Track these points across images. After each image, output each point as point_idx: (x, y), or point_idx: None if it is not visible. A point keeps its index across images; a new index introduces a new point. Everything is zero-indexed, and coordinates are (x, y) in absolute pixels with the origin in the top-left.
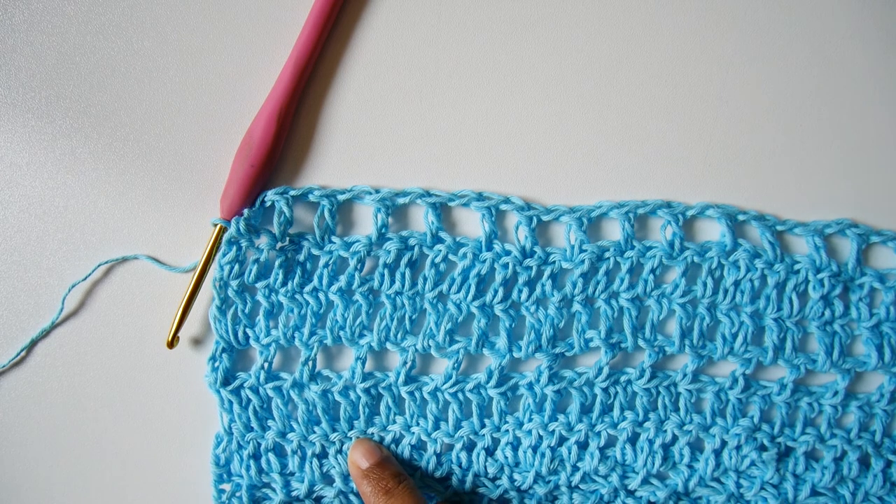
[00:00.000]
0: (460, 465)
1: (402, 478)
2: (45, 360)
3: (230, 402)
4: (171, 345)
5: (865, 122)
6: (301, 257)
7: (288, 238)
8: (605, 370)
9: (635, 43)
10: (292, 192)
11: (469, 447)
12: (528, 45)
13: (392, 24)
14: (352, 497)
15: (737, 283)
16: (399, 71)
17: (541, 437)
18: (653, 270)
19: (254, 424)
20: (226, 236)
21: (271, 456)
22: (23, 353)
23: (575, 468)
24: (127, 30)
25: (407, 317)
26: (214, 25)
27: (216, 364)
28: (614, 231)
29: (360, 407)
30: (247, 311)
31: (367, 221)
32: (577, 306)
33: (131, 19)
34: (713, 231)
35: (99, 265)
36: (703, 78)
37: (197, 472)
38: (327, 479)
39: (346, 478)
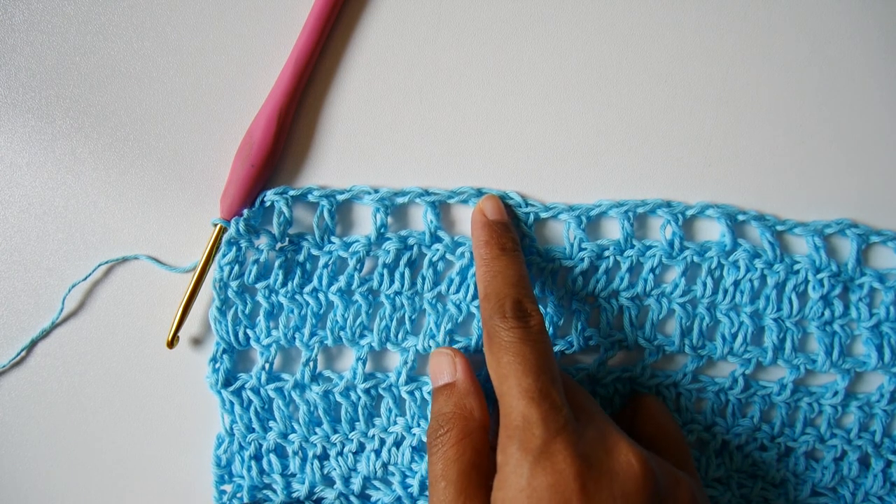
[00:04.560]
0: None
1: (519, 246)
2: (45, 360)
3: (231, 403)
4: (171, 345)
5: (865, 122)
6: (301, 258)
7: (287, 238)
8: (605, 369)
9: (635, 43)
10: (292, 193)
11: None
12: (528, 45)
13: (392, 24)
14: (352, 499)
15: (736, 283)
16: (399, 71)
17: None
18: (652, 270)
19: (255, 425)
20: (225, 237)
21: (272, 457)
22: (23, 353)
23: None
24: (127, 30)
25: (407, 317)
26: (214, 25)
27: (217, 365)
28: (613, 230)
29: (361, 408)
30: (247, 311)
31: (366, 221)
32: (576, 304)
33: (131, 20)
34: (713, 231)
35: (99, 265)
36: (703, 78)
37: (197, 473)
38: (328, 481)
39: (346, 480)
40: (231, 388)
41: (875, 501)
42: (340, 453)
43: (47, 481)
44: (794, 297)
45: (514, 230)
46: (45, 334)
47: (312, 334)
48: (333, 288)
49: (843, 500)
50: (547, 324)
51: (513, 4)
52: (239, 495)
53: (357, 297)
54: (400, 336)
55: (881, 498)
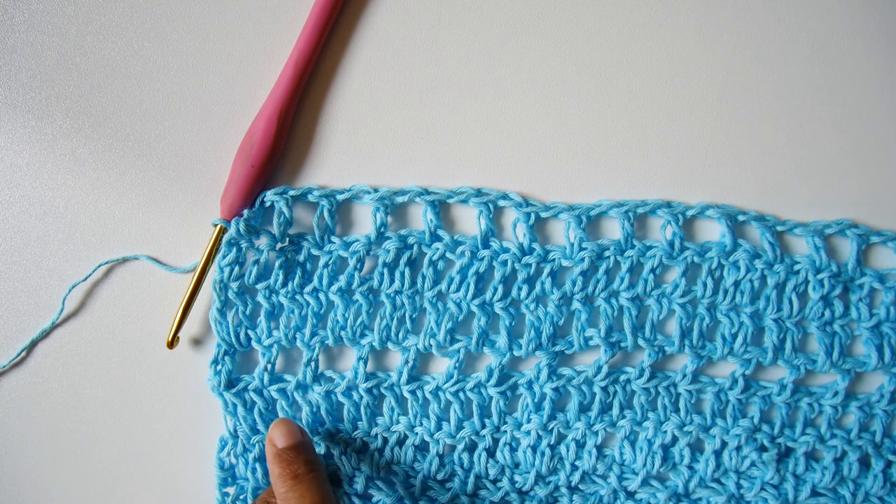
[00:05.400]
0: (462, 467)
1: (315, 466)
2: (45, 360)
3: (234, 405)
4: (171, 345)
5: (865, 122)
6: (301, 258)
7: (288, 238)
8: (605, 369)
9: (635, 43)
10: (292, 193)
11: (471, 448)
12: (528, 45)
13: (392, 24)
14: (355, 499)
15: (737, 284)
16: (399, 71)
17: (539, 437)
18: (653, 270)
19: (260, 427)
20: (225, 237)
21: None
22: (23, 354)
23: (574, 467)
24: (127, 30)
25: (407, 316)
26: (214, 25)
27: (218, 367)
28: (613, 230)
29: (363, 407)
30: (247, 312)
31: (366, 221)
32: (576, 304)
33: (131, 20)
34: (713, 231)
35: (99, 265)
36: (703, 78)
37: (198, 473)
38: (333, 480)
39: (350, 479)
40: (234, 391)
41: (875, 501)
42: (344, 453)
43: (47, 481)
44: (794, 297)
45: (312, 449)
46: (45, 334)
47: (313, 334)
48: (334, 287)
49: (843, 500)
50: (547, 324)
51: (513, 5)
52: (242, 497)
53: (357, 296)
54: (401, 335)
55: (881, 498)
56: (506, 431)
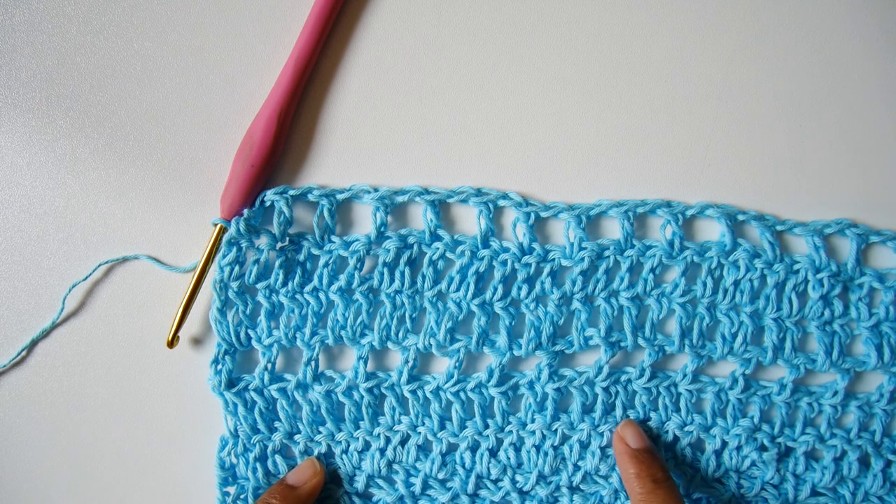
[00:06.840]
0: (464, 466)
1: (668, 473)
2: (45, 360)
3: (235, 405)
4: (171, 344)
5: (865, 122)
6: (301, 257)
7: (288, 238)
8: (605, 369)
9: (635, 43)
10: (292, 192)
11: (473, 447)
12: (528, 45)
13: (392, 24)
14: (355, 498)
15: (736, 283)
16: (399, 71)
17: (544, 437)
18: (652, 269)
19: (260, 426)
20: (226, 237)
21: (278, 458)
22: (23, 353)
23: (576, 467)
24: (127, 30)
25: (407, 315)
26: (214, 25)
27: (219, 367)
28: (613, 230)
29: (364, 407)
30: (248, 312)
31: (366, 220)
32: (576, 304)
33: (131, 19)
34: (713, 231)
35: (99, 265)
36: (703, 78)
37: (198, 473)
38: (333, 479)
39: (351, 478)
40: (234, 390)
41: (875, 501)
42: (345, 452)
43: (47, 481)
44: (793, 296)
45: (660, 456)
46: (45, 334)
47: (313, 334)
48: (334, 287)
49: (843, 500)
50: (547, 324)
51: (513, 5)
52: (243, 496)
53: (357, 296)
54: (401, 335)
55: (881, 498)
56: (510, 432)
